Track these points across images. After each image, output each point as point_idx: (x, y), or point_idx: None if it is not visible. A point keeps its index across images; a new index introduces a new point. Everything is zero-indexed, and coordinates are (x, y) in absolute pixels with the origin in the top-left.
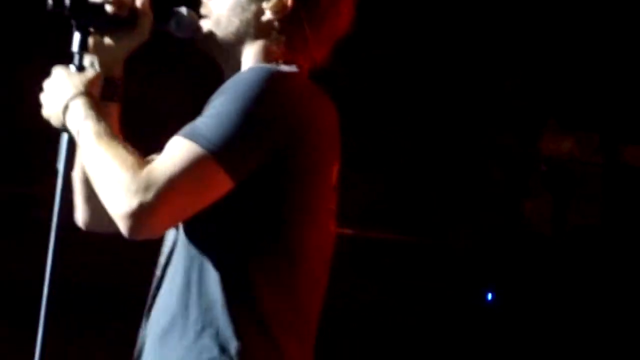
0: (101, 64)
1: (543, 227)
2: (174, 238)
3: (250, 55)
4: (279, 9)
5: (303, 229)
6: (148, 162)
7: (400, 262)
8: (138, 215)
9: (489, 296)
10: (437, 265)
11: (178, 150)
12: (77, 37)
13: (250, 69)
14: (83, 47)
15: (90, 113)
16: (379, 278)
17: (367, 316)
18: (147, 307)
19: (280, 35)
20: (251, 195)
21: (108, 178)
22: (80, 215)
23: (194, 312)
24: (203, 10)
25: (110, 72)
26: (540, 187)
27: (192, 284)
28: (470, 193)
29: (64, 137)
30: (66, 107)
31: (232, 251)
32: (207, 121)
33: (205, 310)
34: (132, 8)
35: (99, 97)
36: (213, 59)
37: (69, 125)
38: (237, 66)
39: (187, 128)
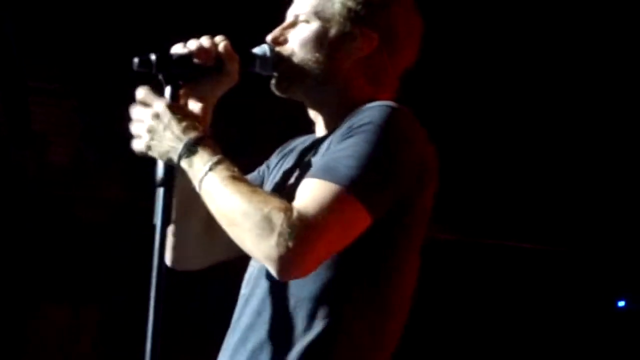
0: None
1: None
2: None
3: (339, 90)
4: (365, 47)
5: (405, 271)
6: (287, 203)
7: (536, 271)
8: (293, 259)
9: (621, 303)
10: (570, 272)
11: (323, 192)
12: (168, 90)
13: (376, 107)
14: (174, 99)
15: (215, 157)
16: (514, 285)
17: (500, 321)
18: (233, 324)
19: (366, 71)
20: (386, 228)
21: (255, 221)
22: (170, 257)
23: (280, 338)
24: (285, 52)
25: (201, 119)
26: None
27: (279, 310)
28: (603, 200)
29: (160, 192)
30: (188, 152)
31: (329, 283)
32: (347, 162)
33: (293, 339)
34: (217, 55)
35: None
36: (293, 100)
37: (191, 173)
38: (326, 104)
39: (326, 169)
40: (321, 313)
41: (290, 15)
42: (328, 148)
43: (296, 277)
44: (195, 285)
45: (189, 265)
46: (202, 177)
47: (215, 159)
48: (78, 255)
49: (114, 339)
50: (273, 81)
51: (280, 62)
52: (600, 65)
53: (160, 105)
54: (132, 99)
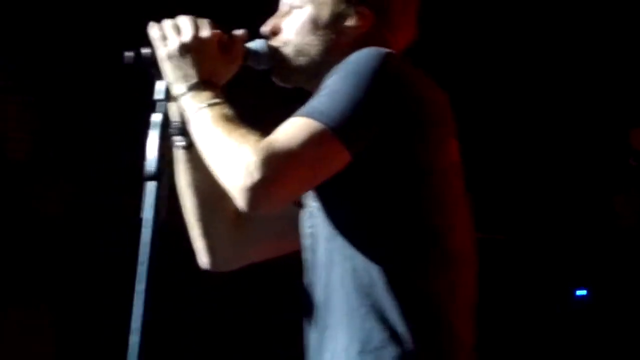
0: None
1: (633, 221)
2: (316, 230)
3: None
4: (361, 24)
5: (445, 200)
6: (259, 137)
7: (490, 261)
8: (259, 189)
9: (579, 292)
10: (526, 263)
11: (295, 126)
12: (160, 85)
13: (362, 50)
14: (167, 96)
15: (217, 99)
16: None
17: None
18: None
19: (365, 43)
20: (388, 176)
21: (227, 153)
22: (204, 256)
23: (355, 298)
24: (276, 43)
25: None
26: (630, 182)
27: (348, 272)
28: (561, 190)
29: (150, 185)
30: (197, 88)
31: (383, 235)
32: (321, 99)
33: (366, 294)
34: (220, 39)
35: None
36: (297, 88)
37: (189, 106)
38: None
39: (303, 108)
40: (385, 262)
41: (283, 4)
42: None
43: (265, 210)
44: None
45: (225, 266)
46: (197, 111)
47: (216, 100)
48: (33, 252)
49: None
50: (273, 74)
51: (277, 53)
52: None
53: (207, 36)
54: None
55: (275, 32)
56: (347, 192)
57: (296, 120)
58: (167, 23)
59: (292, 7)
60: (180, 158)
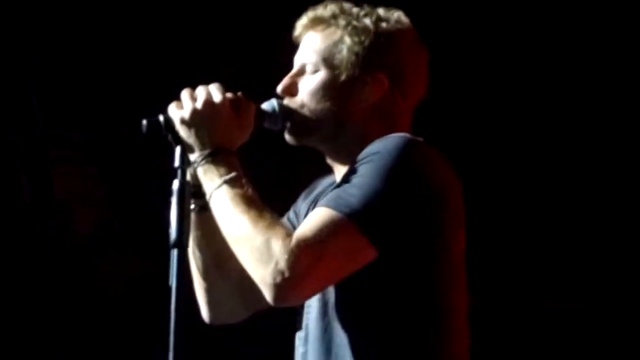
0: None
1: None
2: (321, 303)
3: (355, 136)
4: (376, 91)
5: (451, 288)
6: (290, 230)
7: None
8: (289, 286)
9: None
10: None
11: (325, 220)
12: (177, 151)
13: (387, 138)
14: (184, 161)
15: (232, 173)
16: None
17: None
18: None
19: (379, 113)
20: (402, 262)
21: (255, 246)
22: (206, 310)
23: None
24: (291, 104)
25: None
26: None
27: (360, 348)
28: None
29: (174, 253)
30: (209, 159)
31: (387, 317)
32: (351, 191)
33: None
34: (231, 104)
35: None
36: (309, 148)
37: (204, 180)
38: (342, 151)
39: (332, 198)
40: (386, 344)
41: (297, 63)
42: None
43: (291, 304)
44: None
45: (228, 320)
46: (214, 190)
47: (231, 175)
48: (98, 329)
49: None
50: (287, 134)
51: (291, 114)
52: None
53: (219, 100)
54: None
55: (289, 93)
56: (366, 275)
57: (326, 215)
58: (185, 92)
59: (307, 68)
60: (193, 219)
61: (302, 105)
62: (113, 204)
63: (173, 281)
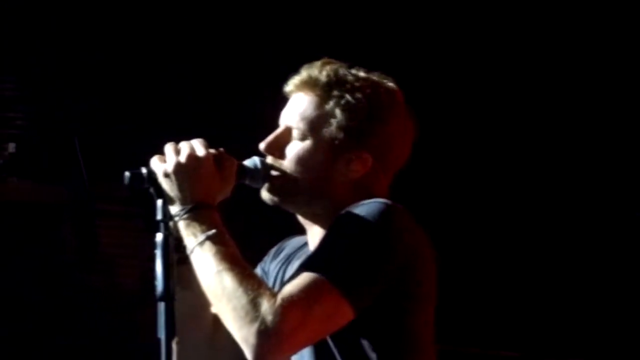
0: (175, 226)
1: None
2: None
3: (332, 207)
4: (360, 169)
5: (421, 345)
6: (274, 291)
7: None
8: (272, 346)
9: None
10: None
11: (309, 283)
12: (159, 204)
13: (369, 203)
14: (165, 215)
15: (214, 229)
16: None
17: None
18: None
19: (359, 187)
20: (378, 319)
21: (240, 307)
22: None
23: None
24: (273, 163)
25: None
26: None
27: None
28: None
29: (161, 306)
30: (190, 213)
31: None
32: (333, 255)
33: None
34: (214, 159)
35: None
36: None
37: (186, 234)
38: (317, 218)
39: (315, 261)
40: None
41: (284, 122)
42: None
43: None
44: None
45: None
46: (196, 245)
47: (213, 231)
48: None
49: None
50: (264, 192)
51: (273, 176)
52: None
53: (203, 155)
54: None
55: (272, 152)
56: (347, 332)
57: (310, 278)
58: (168, 145)
59: (294, 133)
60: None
61: (286, 170)
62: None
63: (162, 334)
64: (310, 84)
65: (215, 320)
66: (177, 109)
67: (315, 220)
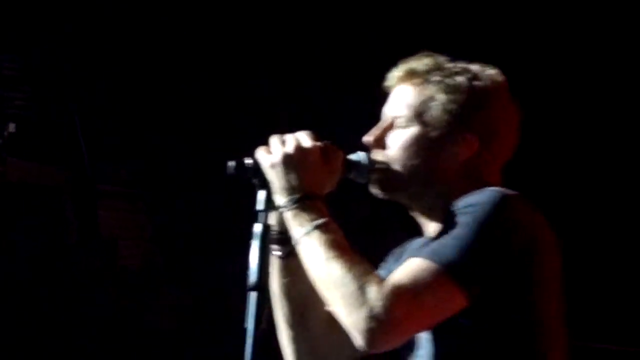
0: (281, 219)
1: None
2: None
3: (442, 194)
4: (466, 151)
5: (545, 337)
6: (382, 278)
7: None
8: (382, 332)
9: None
10: None
11: (419, 269)
12: (261, 195)
13: (484, 192)
14: (269, 205)
15: (322, 218)
16: None
17: None
18: None
19: (469, 172)
20: (500, 307)
21: (349, 293)
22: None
23: None
24: (379, 157)
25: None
26: None
27: None
28: None
29: (252, 296)
30: (299, 204)
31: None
32: (446, 242)
33: None
34: (321, 151)
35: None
36: (393, 201)
37: (293, 225)
38: (430, 208)
39: (427, 249)
40: None
41: (387, 115)
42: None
43: (381, 350)
44: None
45: None
46: (304, 235)
47: (322, 220)
48: None
49: None
50: (374, 185)
51: (380, 169)
52: None
53: (310, 146)
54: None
55: (378, 145)
56: (461, 323)
57: (421, 264)
58: (274, 137)
59: (398, 122)
60: (275, 265)
61: (392, 160)
62: (158, 239)
63: (250, 324)
64: (410, 75)
65: (329, 316)
66: (254, 108)
67: (424, 209)
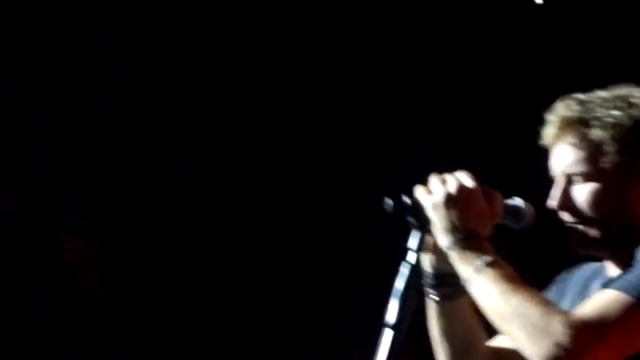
0: (437, 262)
1: None
2: None
3: (634, 240)
4: None
5: None
6: (562, 309)
7: None
8: (567, 359)
9: None
10: None
11: (609, 301)
12: (415, 236)
13: None
14: (421, 247)
15: (491, 255)
16: None
17: None
18: None
19: None
20: None
21: (535, 323)
22: None
23: None
24: (567, 218)
25: (445, 269)
26: None
27: None
28: None
29: (388, 333)
30: (464, 241)
31: None
32: (633, 276)
33: None
34: (481, 194)
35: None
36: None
37: (461, 262)
38: (621, 252)
39: (619, 281)
40: None
41: (559, 173)
42: None
43: None
44: None
45: None
46: (475, 272)
47: (492, 258)
48: None
49: None
50: (574, 244)
51: (573, 228)
52: None
53: (472, 186)
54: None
55: (564, 209)
56: None
57: (611, 296)
58: (434, 177)
59: (574, 180)
60: (433, 308)
61: (583, 218)
62: (119, 269)
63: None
64: (567, 128)
65: (493, 350)
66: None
67: (619, 255)
